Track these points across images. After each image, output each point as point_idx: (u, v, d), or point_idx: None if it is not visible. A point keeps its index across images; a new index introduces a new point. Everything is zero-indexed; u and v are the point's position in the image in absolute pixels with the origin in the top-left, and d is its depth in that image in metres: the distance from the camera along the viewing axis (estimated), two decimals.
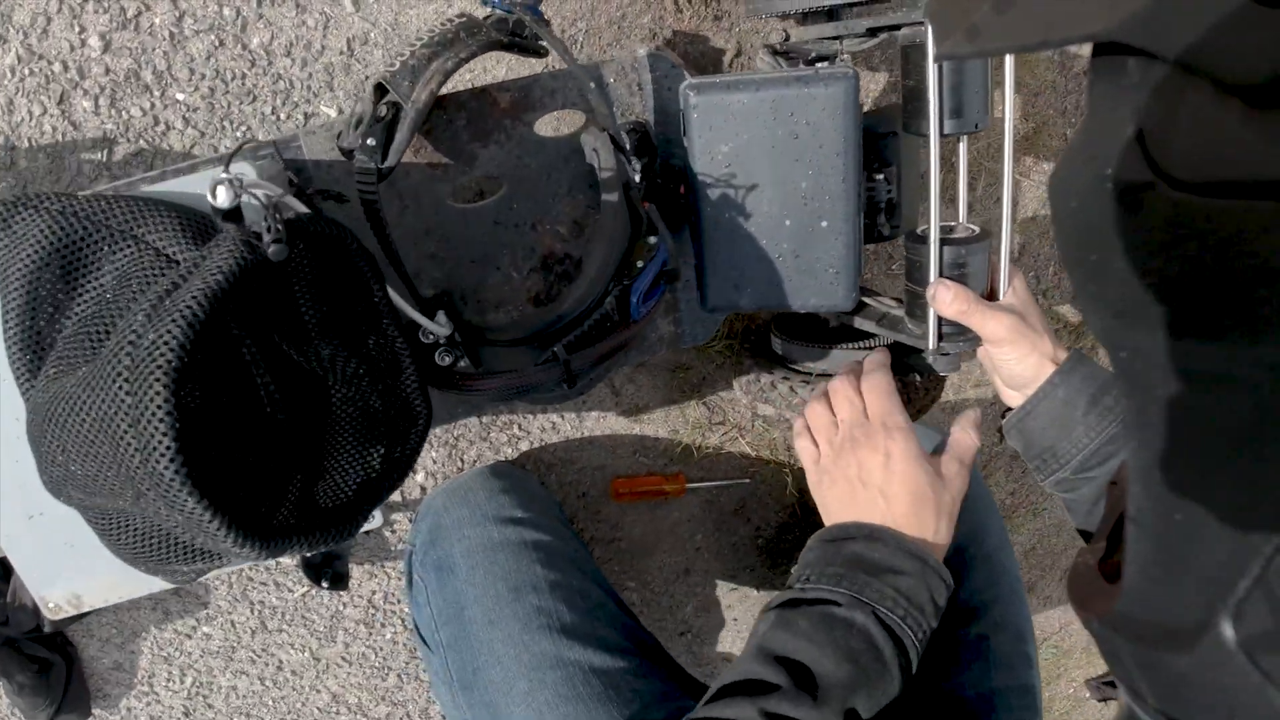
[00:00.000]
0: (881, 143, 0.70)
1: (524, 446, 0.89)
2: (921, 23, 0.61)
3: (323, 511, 0.48)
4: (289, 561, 0.83)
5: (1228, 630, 0.22)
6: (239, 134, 0.71)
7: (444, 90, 0.62)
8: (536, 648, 0.67)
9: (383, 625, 0.91)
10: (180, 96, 0.68)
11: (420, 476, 0.86)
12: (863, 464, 0.62)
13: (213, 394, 0.46)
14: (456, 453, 0.86)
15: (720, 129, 0.62)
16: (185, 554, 0.44)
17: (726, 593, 1.07)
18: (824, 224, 0.64)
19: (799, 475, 1.03)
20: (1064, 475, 0.67)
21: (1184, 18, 0.18)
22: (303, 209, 0.47)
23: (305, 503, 0.49)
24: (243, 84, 0.69)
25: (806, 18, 0.73)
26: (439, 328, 0.56)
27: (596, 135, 0.63)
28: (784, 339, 0.79)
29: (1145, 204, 0.20)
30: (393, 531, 0.87)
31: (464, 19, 0.59)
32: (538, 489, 0.85)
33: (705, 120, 0.62)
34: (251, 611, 0.85)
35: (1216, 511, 0.21)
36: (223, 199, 0.38)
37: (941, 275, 0.65)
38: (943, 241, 0.65)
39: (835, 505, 0.64)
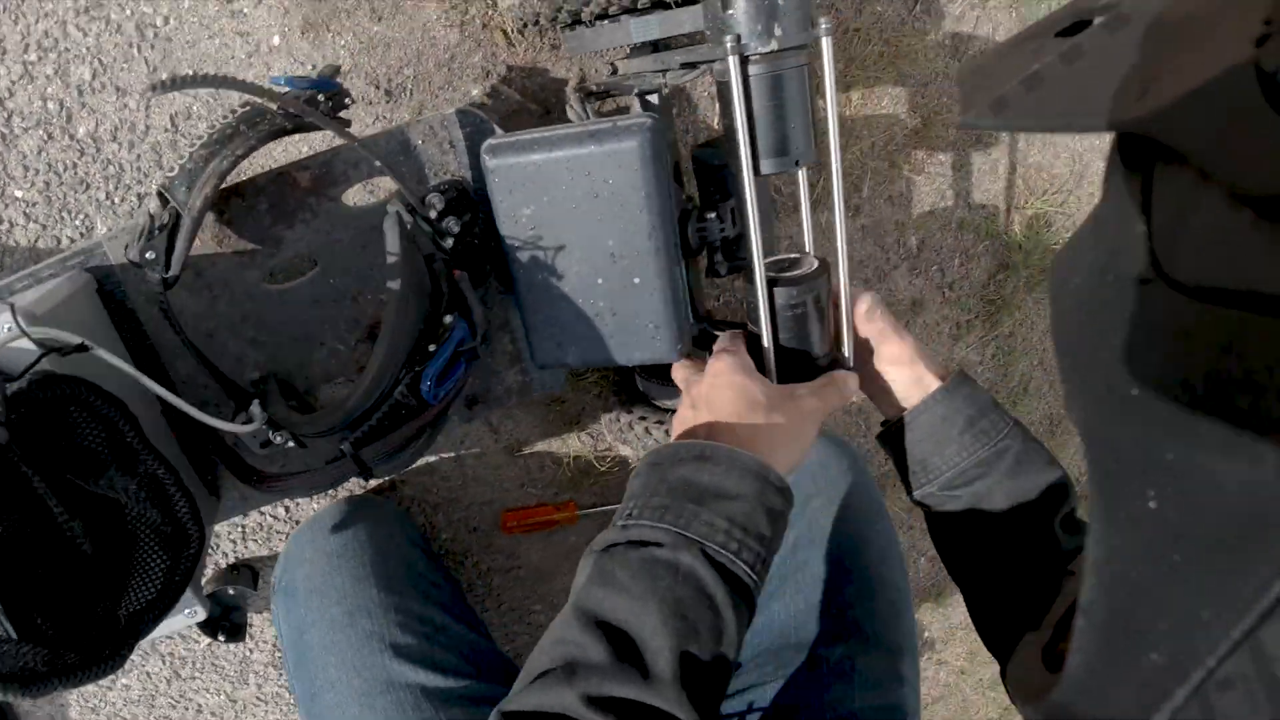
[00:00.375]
0: (720, 174, 0.70)
1: (406, 491, 0.91)
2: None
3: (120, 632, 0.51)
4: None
5: None
6: (78, 223, 0.72)
7: (241, 176, 0.63)
8: (368, 672, 0.67)
9: None
10: (19, 194, 0.70)
11: None
12: (693, 395, 0.60)
13: (14, 527, 0.49)
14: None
15: (520, 191, 0.62)
16: None
17: None
18: (636, 281, 0.64)
19: None
20: (931, 490, 0.67)
21: (1208, 120, 0.19)
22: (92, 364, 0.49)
23: (109, 623, 0.52)
24: (75, 174, 0.70)
25: (632, 50, 0.72)
26: (243, 427, 0.57)
27: (401, 207, 0.64)
28: (644, 376, 0.80)
29: (1144, 299, 0.21)
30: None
31: (247, 109, 0.59)
32: (391, 512, 0.85)
33: (504, 184, 0.62)
34: (163, 663, 0.90)
35: (1166, 615, 0.22)
36: None
37: (774, 319, 0.65)
38: (772, 282, 0.64)
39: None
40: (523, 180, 0.62)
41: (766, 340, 0.65)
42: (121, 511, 0.53)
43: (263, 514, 0.86)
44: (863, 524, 0.82)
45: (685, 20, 0.62)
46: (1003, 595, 0.63)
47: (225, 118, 0.59)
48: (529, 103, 0.80)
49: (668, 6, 0.64)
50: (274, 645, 0.93)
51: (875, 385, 0.68)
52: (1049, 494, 0.61)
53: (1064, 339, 0.25)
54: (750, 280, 0.66)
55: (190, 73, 0.59)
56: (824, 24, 0.58)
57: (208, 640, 0.90)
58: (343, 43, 0.73)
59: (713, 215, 0.68)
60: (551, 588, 1.03)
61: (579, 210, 0.62)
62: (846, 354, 0.67)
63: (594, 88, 0.71)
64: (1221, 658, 0.20)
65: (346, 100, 0.64)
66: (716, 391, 0.58)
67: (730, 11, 0.56)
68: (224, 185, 0.58)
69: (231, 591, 0.85)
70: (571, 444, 0.95)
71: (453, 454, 0.91)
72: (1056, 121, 0.23)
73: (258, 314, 0.65)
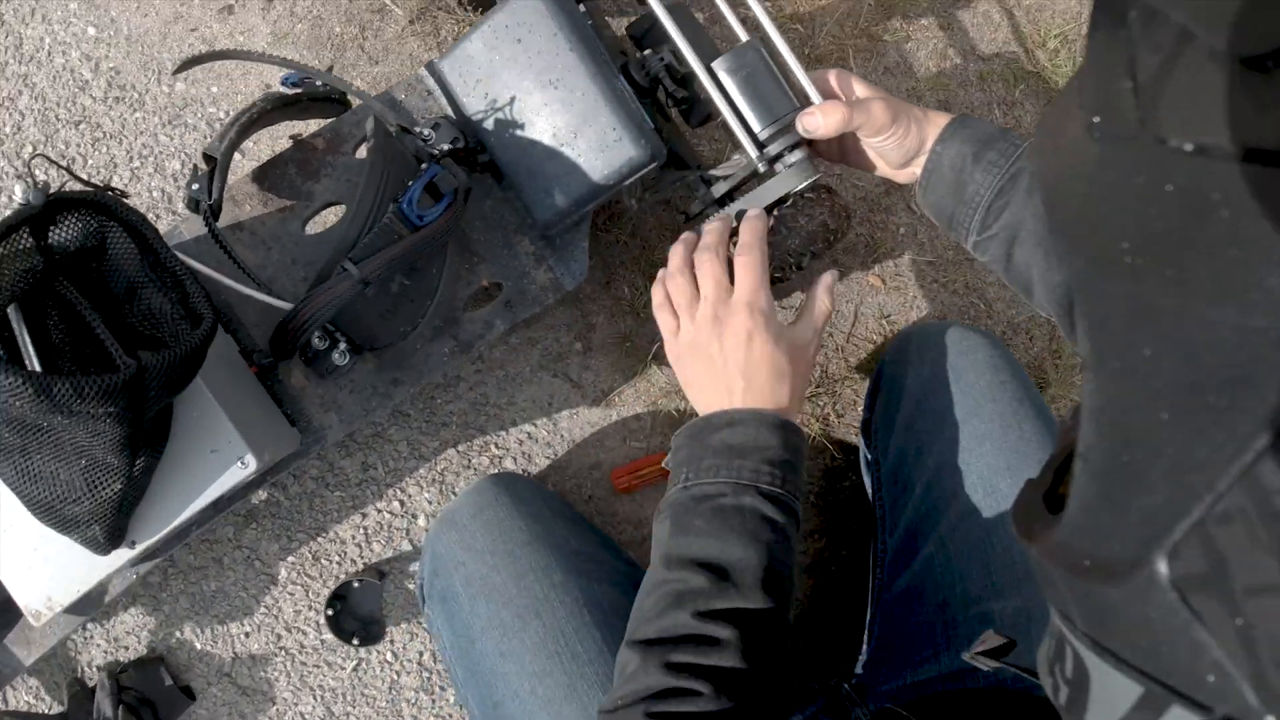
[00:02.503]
0: (649, 29, 0.82)
1: (509, 464, 0.97)
2: None
3: None
4: (330, 636, 0.93)
5: (1162, 568, 0.23)
6: None
7: (269, 155, 0.84)
8: (550, 679, 0.69)
9: (442, 689, 0.95)
10: None
11: (421, 520, 0.96)
12: (724, 343, 0.66)
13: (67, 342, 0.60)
14: (445, 487, 0.96)
15: (470, 72, 0.77)
16: (68, 491, 0.57)
17: (804, 539, 1.02)
18: (580, 94, 0.75)
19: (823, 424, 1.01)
20: (974, 239, 0.68)
21: None
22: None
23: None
24: None
25: None
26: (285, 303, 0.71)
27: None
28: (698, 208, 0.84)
29: (1131, 156, 0.22)
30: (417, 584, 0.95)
31: (267, 89, 0.81)
32: (526, 488, 0.85)
33: (458, 74, 0.78)
34: (315, 698, 0.94)
35: (1163, 457, 0.23)
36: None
37: (727, 94, 0.72)
38: (710, 64, 0.73)
39: (696, 381, 0.69)
40: (467, 64, 0.78)
41: (728, 115, 0.72)
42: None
43: (380, 512, 0.95)
44: (1013, 434, 0.78)
45: None
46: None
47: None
48: None
49: None
50: (420, 664, 0.95)
51: (879, 158, 0.72)
52: None
53: (1053, 199, 0.25)
54: (696, 78, 0.75)
55: (205, 51, 0.81)
56: None
57: (351, 664, 0.94)
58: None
59: (648, 52, 0.80)
60: None
61: (515, 62, 0.76)
62: (810, 93, 0.72)
63: None
64: (1220, 494, 0.21)
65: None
66: (753, 365, 0.66)
67: None
68: (259, 165, 0.78)
69: (357, 585, 0.91)
70: (656, 380, 0.99)
71: (547, 419, 0.98)
72: None
73: (304, 256, 0.82)
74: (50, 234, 0.56)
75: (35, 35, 0.93)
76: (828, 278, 0.73)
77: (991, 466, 0.77)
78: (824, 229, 0.78)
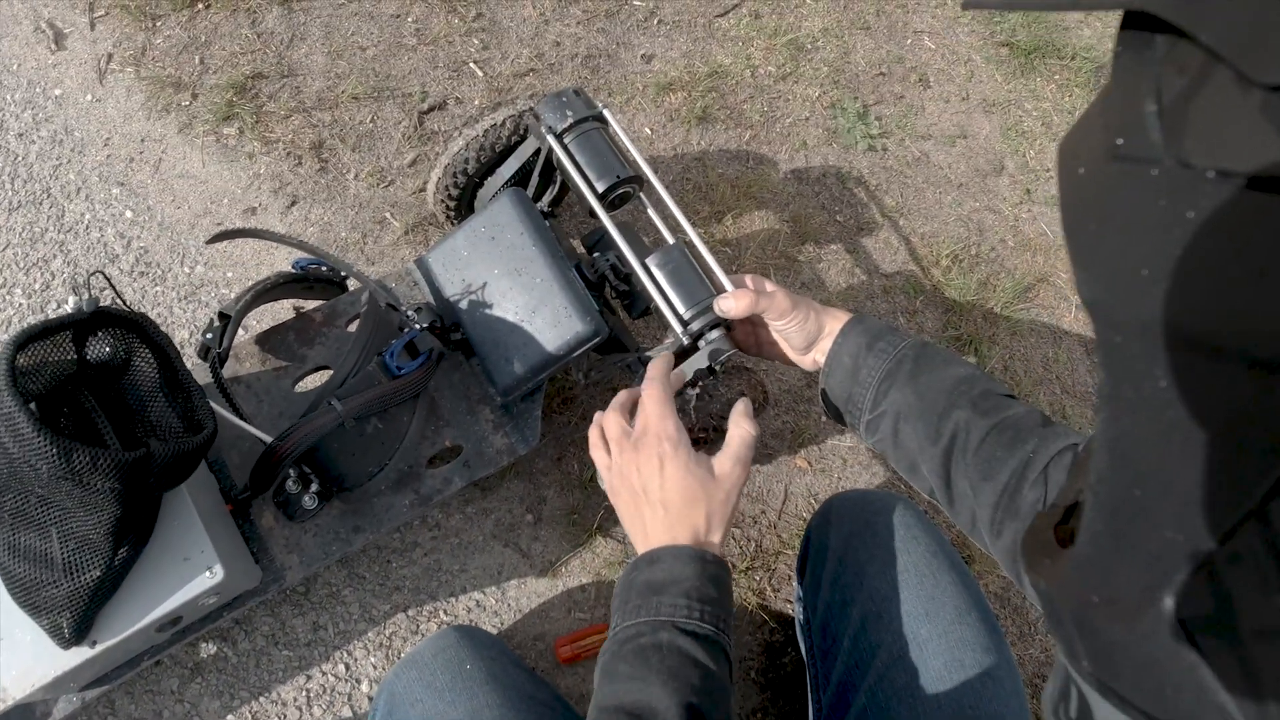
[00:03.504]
0: (597, 239, 1.01)
1: None
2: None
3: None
4: None
5: (1169, 608, 0.23)
6: None
7: (275, 322, 0.98)
8: None
9: None
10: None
11: (364, 686, 0.98)
12: (641, 470, 0.74)
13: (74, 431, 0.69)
14: (391, 652, 0.99)
15: (452, 263, 0.95)
16: (54, 574, 0.62)
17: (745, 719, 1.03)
18: (539, 280, 0.92)
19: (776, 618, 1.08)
20: (868, 417, 0.80)
21: (1222, 3, 0.20)
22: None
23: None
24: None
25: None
26: (270, 438, 0.82)
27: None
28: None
29: (1151, 178, 0.21)
30: None
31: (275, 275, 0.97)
32: (485, 637, 0.90)
33: (441, 265, 0.96)
34: None
35: (1174, 493, 0.23)
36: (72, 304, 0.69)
37: (657, 282, 0.90)
38: (643, 256, 0.91)
39: (625, 514, 0.77)
40: (451, 255, 0.96)
41: (658, 299, 0.89)
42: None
43: (325, 674, 0.97)
44: (928, 582, 0.84)
45: (524, 152, 1.02)
46: (965, 487, 0.71)
47: None
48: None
49: (509, 153, 1.04)
50: None
51: (785, 342, 0.86)
52: (956, 383, 0.73)
53: (1072, 221, 0.25)
54: (625, 275, 0.93)
55: (236, 227, 0.97)
56: (599, 104, 0.98)
57: None
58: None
59: (597, 254, 0.99)
60: None
61: (488, 254, 0.94)
62: (726, 284, 0.90)
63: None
64: (1228, 534, 0.22)
65: (341, 272, 1.02)
66: (667, 490, 0.73)
67: (540, 115, 0.96)
68: (263, 330, 0.93)
69: None
70: (600, 552, 1.06)
71: (496, 588, 1.04)
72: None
73: (290, 410, 0.93)
74: (88, 344, 0.68)
75: (77, 210, 1.11)
76: (740, 404, 0.80)
77: (911, 613, 0.82)
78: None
